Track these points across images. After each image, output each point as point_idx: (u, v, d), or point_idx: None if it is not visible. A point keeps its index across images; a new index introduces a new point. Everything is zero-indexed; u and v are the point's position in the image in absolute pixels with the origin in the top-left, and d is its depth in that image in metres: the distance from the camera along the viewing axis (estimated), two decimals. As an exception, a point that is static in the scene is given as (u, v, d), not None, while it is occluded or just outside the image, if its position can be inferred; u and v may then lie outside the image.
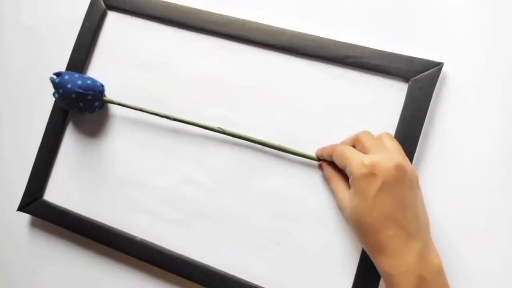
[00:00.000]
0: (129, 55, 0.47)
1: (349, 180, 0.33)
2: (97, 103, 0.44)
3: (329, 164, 0.38)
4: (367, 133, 0.35)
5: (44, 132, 0.47)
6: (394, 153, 0.32)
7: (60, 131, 0.47)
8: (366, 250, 0.32)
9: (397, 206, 0.30)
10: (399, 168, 0.30)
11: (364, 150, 0.33)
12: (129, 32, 0.47)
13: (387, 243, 0.30)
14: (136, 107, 0.44)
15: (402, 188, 0.30)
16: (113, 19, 0.48)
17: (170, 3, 0.46)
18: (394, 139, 0.35)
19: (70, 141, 0.47)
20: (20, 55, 0.52)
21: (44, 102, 0.48)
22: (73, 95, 0.43)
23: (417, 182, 0.32)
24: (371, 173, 0.30)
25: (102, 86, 0.45)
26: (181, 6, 0.45)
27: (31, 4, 0.52)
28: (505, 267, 0.35)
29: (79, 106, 0.44)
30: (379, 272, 0.32)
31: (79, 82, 0.43)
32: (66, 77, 0.43)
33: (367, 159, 0.31)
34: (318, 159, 0.39)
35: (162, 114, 0.43)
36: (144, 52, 0.46)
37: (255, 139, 0.41)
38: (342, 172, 0.36)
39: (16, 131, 0.50)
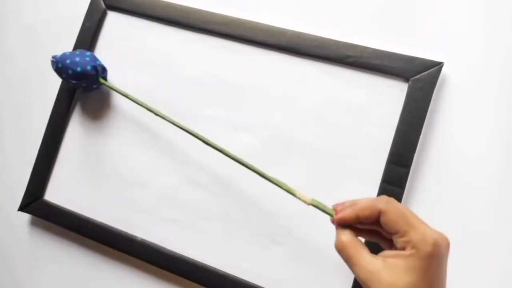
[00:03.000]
0: (129, 55, 0.47)
1: (407, 252, 0.29)
2: (95, 86, 0.45)
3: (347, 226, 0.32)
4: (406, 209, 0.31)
5: (45, 132, 0.47)
6: (434, 230, 0.29)
7: (61, 131, 0.47)
8: None
9: (442, 280, 0.29)
10: (448, 244, 0.29)
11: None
12: (129, 32, 0.47)
13: None
14: (129, 96, 0.43)
15: (446, 263, 0.29)
16: (113, 19, 0.48)
17: (170, 3, 0.46)
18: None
19: (70, 141, 0.47)
20: (20, 55, 0.52)
21: (45, 102, 0.48)
22: (71, 85, 0.45)
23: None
24: (437, 253, 0.28)
25: (95, 67, 0.44)
26: (181, 6, 0.45)
27: (31, 4, 0.52)
28: (505, 266, 0.35)
29: (79, 90, 0.46)
30: None
31: (70, 71, 0.43)
32: (60, 65, 0.44)
33: (430, 235, 0.28)
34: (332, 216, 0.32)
35: (154, 111, 0.42)
36: (144, 52, 0.46)
37: (231, 154, 0.38)
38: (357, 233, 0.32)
39: (16, 131, 0.50)
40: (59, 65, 0.43)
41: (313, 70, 0.41)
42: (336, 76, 0.40)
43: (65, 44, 0.48)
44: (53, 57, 0.44)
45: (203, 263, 0.41)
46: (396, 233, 0.29)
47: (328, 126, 0.40)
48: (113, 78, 0.47)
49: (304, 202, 0.33)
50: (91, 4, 0.48)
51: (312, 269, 0.38)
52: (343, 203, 0.32)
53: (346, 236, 0.31)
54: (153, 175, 0.44)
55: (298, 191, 0.34)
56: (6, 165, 0.50)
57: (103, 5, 0.47)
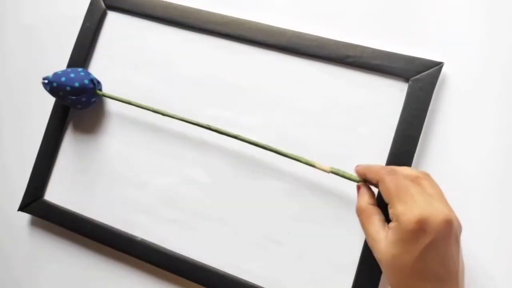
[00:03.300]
0: (129, 55, 0.47)
1: (392, 224, 0.30)
2: (94, 99, 0.45)
3: (368, 189, 0.34)
4: (406, 170, 0.32)
5: (45, 132, 0.47)
6: (440, 202, 0.30)
7: (61, 131, 0.47)
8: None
9: (442, 262, 0.29)
10: (449, 223, 0.28)
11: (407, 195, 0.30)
12: (129, 32, 0.47)
13: None
14: (124, 100, 0.44)
15: (449, 243, 0.29)
16: (113, 19, 0.48)
17: (170, 3, 0.46)
18: (434, 180, 0.32)
19: (70, 141, 0.47)
20: (20, 55, 0.52)
21: (45, 102, 0.48)
22: (69, 101, 0.43)
23: (461, 232, 0.30)
24: (421, 229, 0.28)
25: (92, 81, 0.44)
26: (181, 6, 0.45)
27: (31, 4, 0.52)
28: (505, 266, 0.35)
29: (77, 107, 0.45)
30: None
31: (68, 88, 0.43)
32: (55, 84, 0.43)
33: (417, 211, 0.28)
34: (356, 181, 0.35)
35: (151, 109, 0.42)
36: (144, 52, 0.46)
37: (246, 138, 0.39)
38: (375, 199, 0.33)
39: (16, 131, 0.50)
40: (54, 85, 0.43)
41: (313, 70, 0.41)
42: (336, 76, 0.40)
43: (65, 44, 0.48)
44: (44, 78, 0.44)
45: (203, 263, 0.41)
46: (387, 203, 0.31)
47: (328, 126, 0.40)
48: (113, 78, 0.47)
49: (324, 171, 0.36)
50: (91, 4, 0.48)
51: (312, 269, 0.38)
52: (370, 167, 0.34)
53: (363, 201, 0.33)
54: (153, 175, 0.44)
55: (317, 162, 0.36)
56: (6, 165, 0.50)
57: (103, 5, 0.47)
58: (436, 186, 0.32)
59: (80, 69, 0.44)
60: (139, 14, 0.47)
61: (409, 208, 0.29)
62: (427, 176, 0.32)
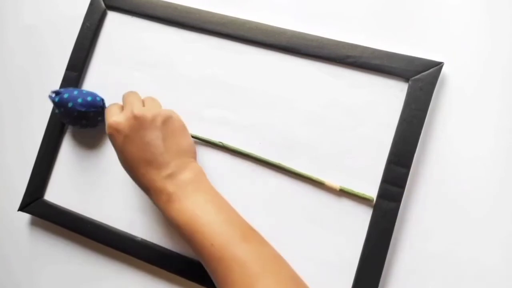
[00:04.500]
0: (129, 55, 0.47)
1: None
2: (99, 118, 0.45)
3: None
4: (131, 94, 0.41)
5: (45, 132, 0.47)
6: (135, 106, 0.37)
7: (61, 131, 0.47)
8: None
9: (142, 148, 0.36)
10: (136, 118, 0.36)
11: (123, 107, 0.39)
12: (129, 32, 0.47)
13: (144, 179, 0.36)
14: None
15: (143, 133, 0.36)
16: (113, 19, 0.48)
17: (170, 3, 0.46)
18: (153, 98, 0.42)
19: (70, 141, 0.47)
20: (21, 55, 0.52)
21: (45, 102, 0.48)
22: (75, 113, 0.43)
23: (162, 123, 0.37)
24: (115, 131, 0.37)
25: (102, 100, 0.45)
26: (181, 6, 0.45)
27: (31, 4, 0.52)
28: (504, 265, 0.35)
29: (81, 123, 0.44)
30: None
31: (80, 100, 0.42)
32: (66, 95, 0.43)
33: (110, 119, 0.37)
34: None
35: None
36: (144, 52, 0.46)
37: (255, 155, 0.41)
38: None
39: (16, 131, 0.50)
40: (65, 96, 0.43)
41: (313, 70, 0.41)
42: (336, 76, 0.40)
43: (66, 44, 0.48)
44: (53, 91, 0.43)
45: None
46: None
47: (328, 126, 0.40)
48: (113, 78, 0.47)
49: (334, 189, 0.38)
50: (91, 4, 0.48)
51: (312, 269, 0.38)
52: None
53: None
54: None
55: (326, 181, 0.39)
56: (6, 165, 0.50)
57: (103, 5, 0.48)
58: (150, 99, 0.41)
59: (85, 91, 0.44)
60: (139, 14, 0.47)
61: (107, 122, 0.38)
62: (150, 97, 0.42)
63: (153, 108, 0.38)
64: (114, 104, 0.40)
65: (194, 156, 0.39)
